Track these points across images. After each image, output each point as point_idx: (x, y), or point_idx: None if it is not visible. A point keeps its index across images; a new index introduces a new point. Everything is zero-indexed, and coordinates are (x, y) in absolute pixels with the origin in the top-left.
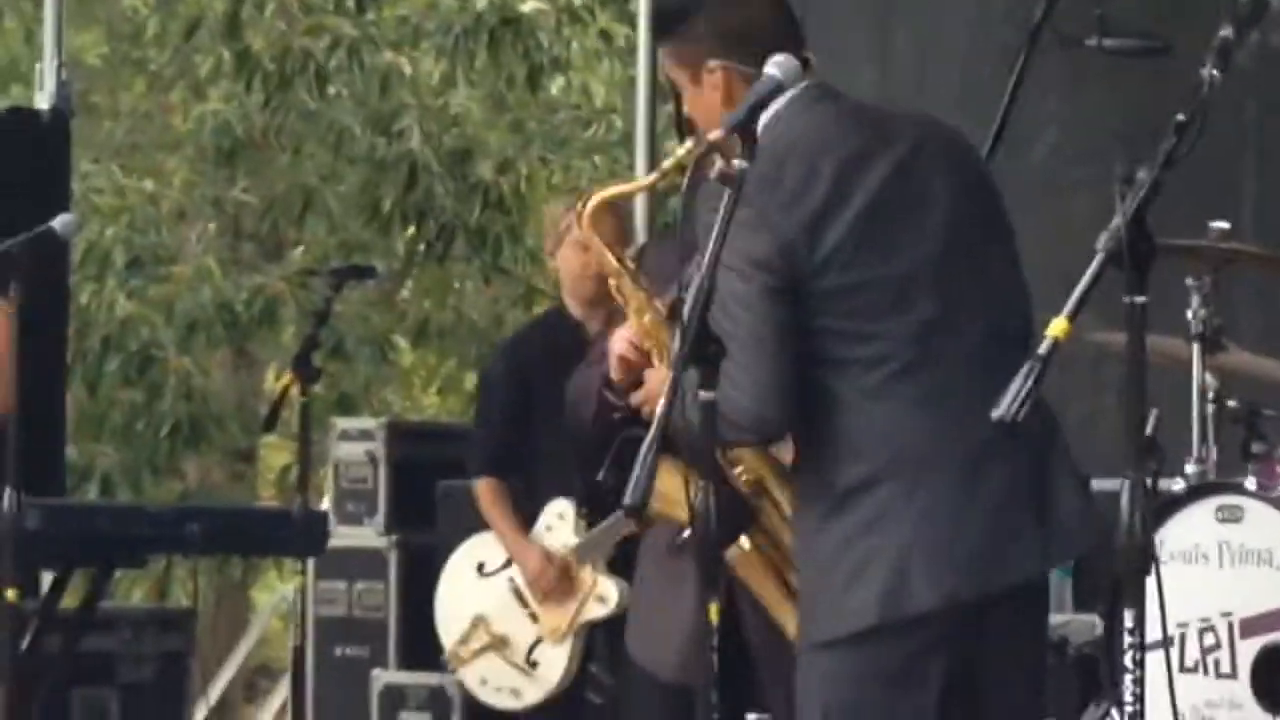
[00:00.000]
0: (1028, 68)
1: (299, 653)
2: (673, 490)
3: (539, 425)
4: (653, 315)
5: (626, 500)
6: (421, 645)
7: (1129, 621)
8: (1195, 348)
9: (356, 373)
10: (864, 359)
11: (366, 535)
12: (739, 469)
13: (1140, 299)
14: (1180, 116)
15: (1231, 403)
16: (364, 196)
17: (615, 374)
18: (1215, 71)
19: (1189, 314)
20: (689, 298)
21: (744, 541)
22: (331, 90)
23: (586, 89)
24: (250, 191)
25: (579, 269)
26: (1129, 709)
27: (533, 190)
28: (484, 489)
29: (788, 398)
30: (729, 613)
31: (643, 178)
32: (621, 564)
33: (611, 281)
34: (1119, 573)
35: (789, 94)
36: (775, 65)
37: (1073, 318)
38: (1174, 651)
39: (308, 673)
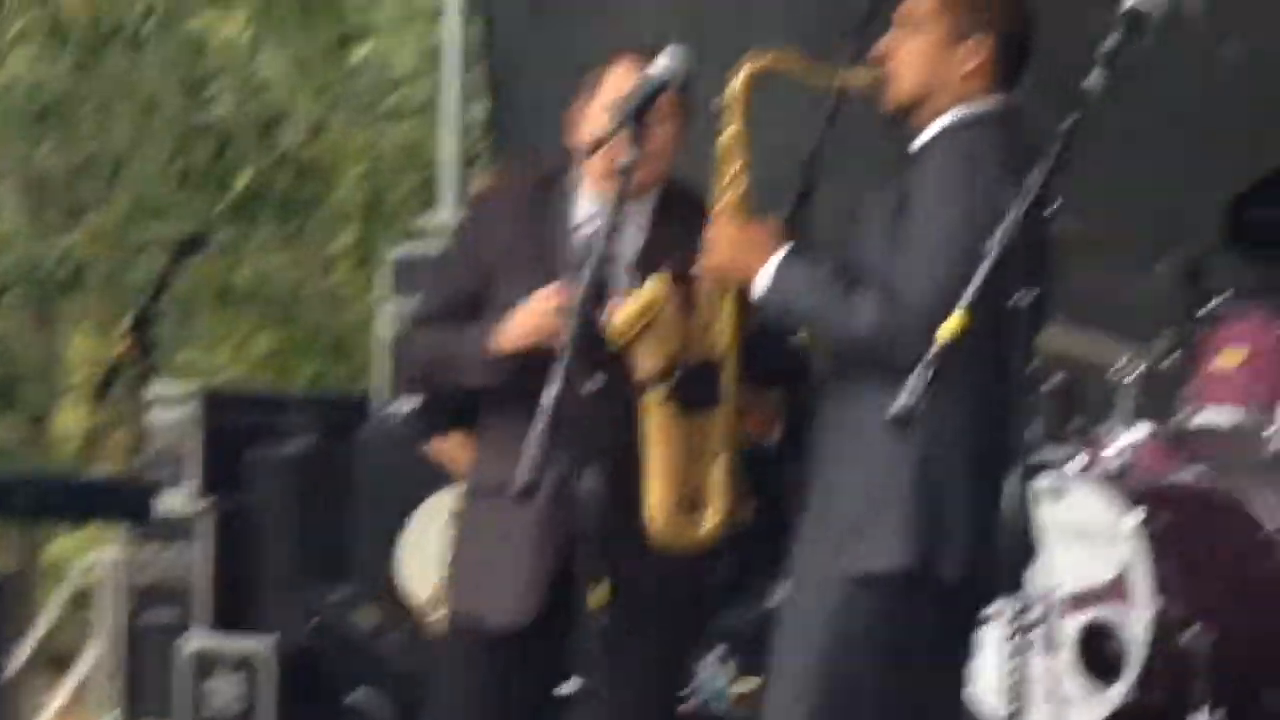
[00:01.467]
0: None
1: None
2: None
3: None
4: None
5: (518, 480)
6: (233, 611)
7: (1010, 610)
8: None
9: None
10: None
11: (179, 501)
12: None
13: (1032, 295)
14: (1066, 123)
15: (1050, 380)
16: (172, 163)
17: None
18: (1099, 81)
19: None
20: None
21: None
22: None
23: (388, 55)
24: (57, 155)
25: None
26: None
27: (340, 158)
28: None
29: None
30: (564, 573)
31: (820, 70)
32: None
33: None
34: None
35: (1001, 101)
36: (660, 66)
37: (968, 313)
38: (997, 626)
39: (115, 639)
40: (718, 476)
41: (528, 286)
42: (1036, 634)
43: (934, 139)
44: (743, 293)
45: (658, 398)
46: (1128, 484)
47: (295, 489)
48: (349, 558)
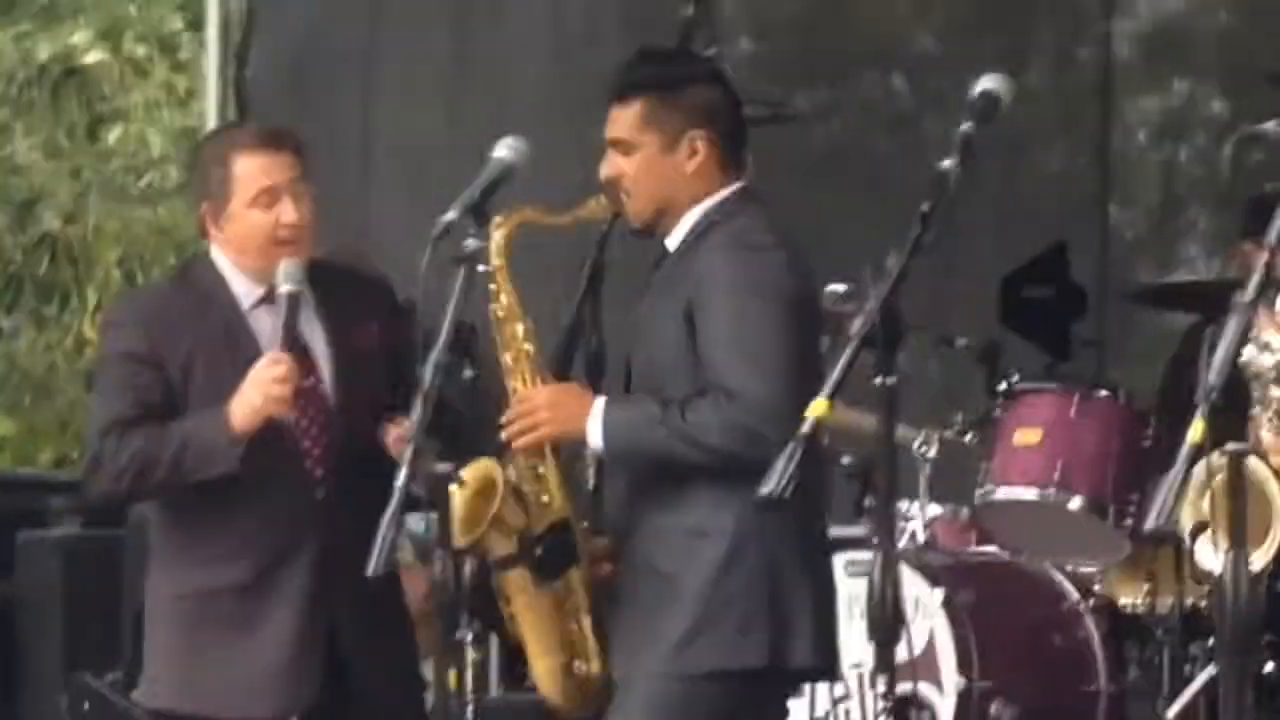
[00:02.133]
0: None
1: None
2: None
3: None
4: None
5: (370, 570)
6: (2, 699)
7: (881, 686)
8: None
9: None
10: None
11: None
12: (545, 498)
13: (891, 379)
14: (924, 206)
15: (845, 459)
16: None
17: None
18: (956, 162)
19: None
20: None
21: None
22: None
23: (144, 138)
24: None
25: None
26: None
27: (99, 240)
28: None
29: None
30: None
31: (559, 215)
32: None
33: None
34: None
35: (737, 185)
36: (507, 148)
37: (831, 398)
38: (804, 702)
39: None
40: (588, 630)
41: (221, 373)
42: (843, 708)
43: (694, 237)
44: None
45: (518, 579)
46: (931, 560)
47: (63, 573)
48: (118, 642)
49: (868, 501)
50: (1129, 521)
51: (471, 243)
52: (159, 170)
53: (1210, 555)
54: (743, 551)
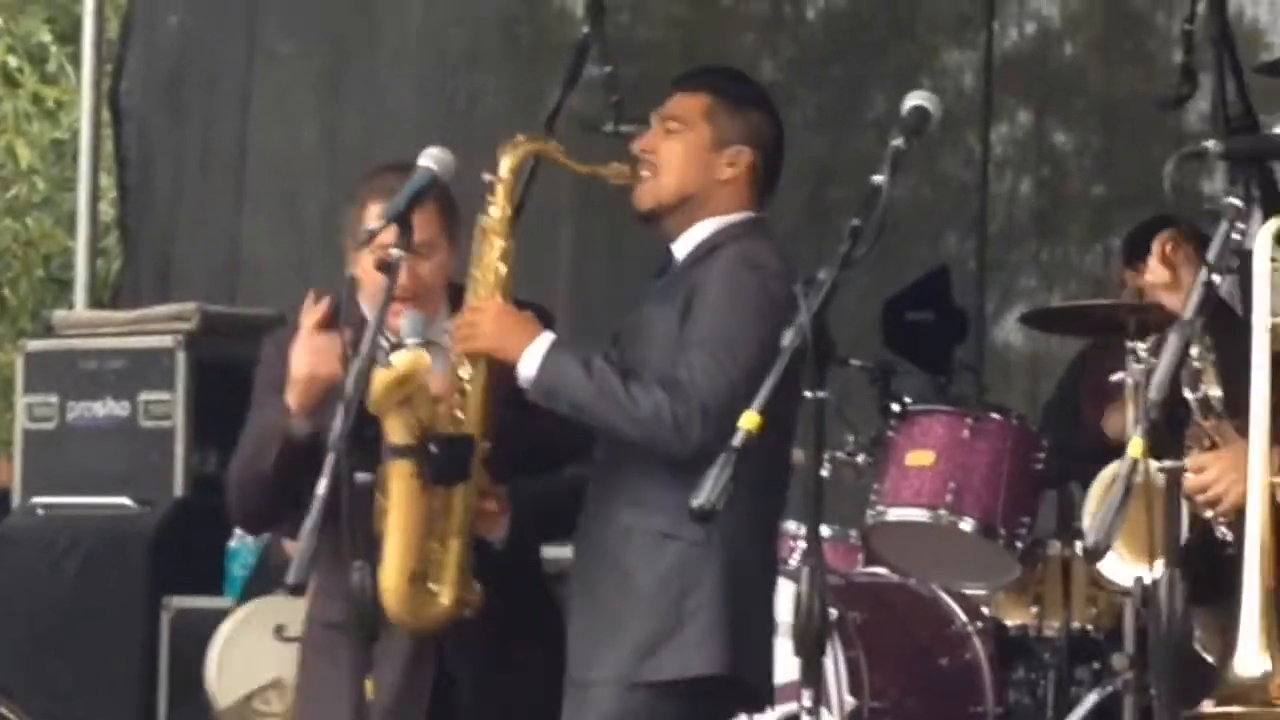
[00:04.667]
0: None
1: None
2: None
3: None
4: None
5: (289, 579)
6: None
7: (808, 701)
8: None
9: None
10: None
11: None
12: (458, 412)
13: (822, 394)
14: (855, 221)
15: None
16: None
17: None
18: (887, 178)
19: None
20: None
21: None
22: None
23: (13, 150)
24: None
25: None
26: None
27: None
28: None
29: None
30: (442, 674)
31: (580, 165)
32: None
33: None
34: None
35: (753, 214)
36: (432, 159)
37: (764, 411)
38: None
39: None
40: (452, 557)
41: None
42: None
43: (707, 247)
44: (493, 374)
45: (403, 469)
46: None
47: None
48: None
49: None
50: (1019, 544)
51: (395, 253)
52: (26, 182)
53: (1116, 568)
54: (709, 559)
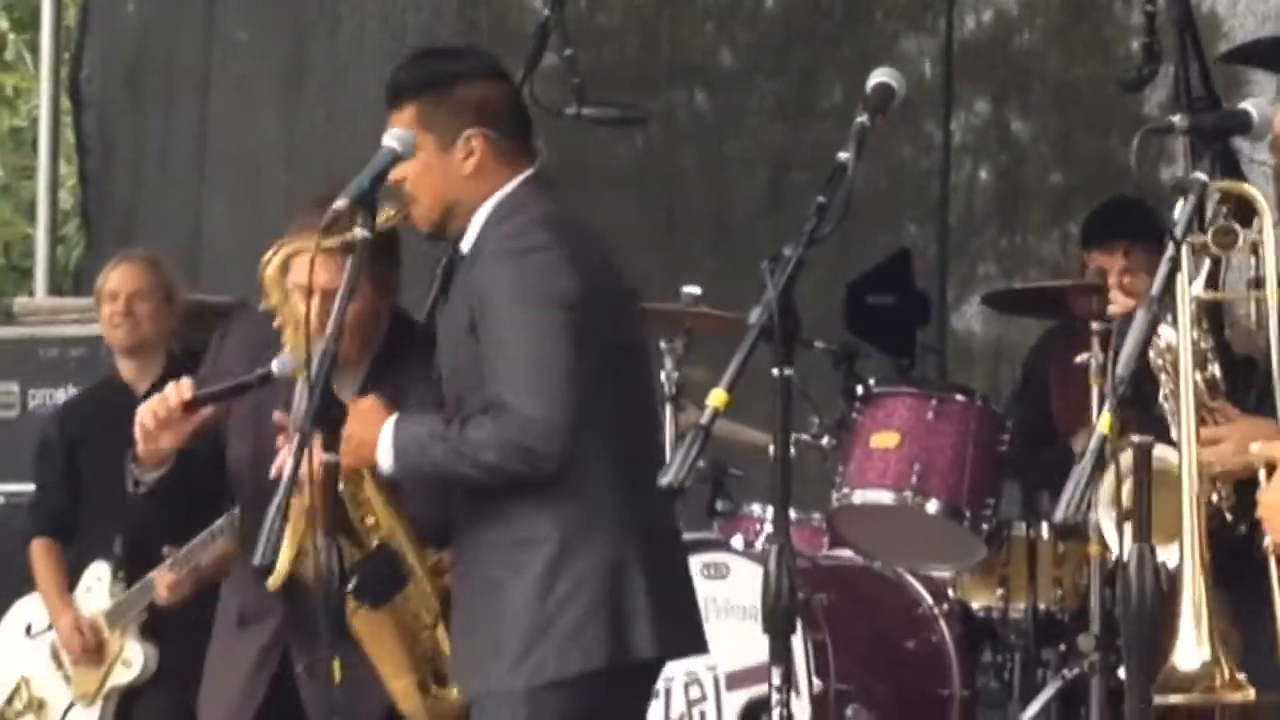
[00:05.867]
0: None
1: None
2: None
3: (88, 489)
4: None
5: (256, 560)
6: None
7: (777, 679)
8: (668, 408)
9: None
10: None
11: None
12: (370, 520)
13: (789, 371)
14: (821, 199)
15: (699, 462)
16: None
17: (140, 445)
18: (853, 155)
19: (662, 375)
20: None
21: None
22: None
23: None
24: None
25: None
26: None
27: None
28: (37, 549)
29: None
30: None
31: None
32: (159, 629)
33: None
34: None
35: (523, 176)
36: (394, 138)
37: (730, 388)
38: (660, 703)
39: None
40: (442, 642)
41: None
42: (697, 710)
43: (478, 239)
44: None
45: (350, 608)
46: None
47: None
48: None
49: (719, 505)
50: (985, 526)
51: (360, 231)
52: None
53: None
54: (568, 555)
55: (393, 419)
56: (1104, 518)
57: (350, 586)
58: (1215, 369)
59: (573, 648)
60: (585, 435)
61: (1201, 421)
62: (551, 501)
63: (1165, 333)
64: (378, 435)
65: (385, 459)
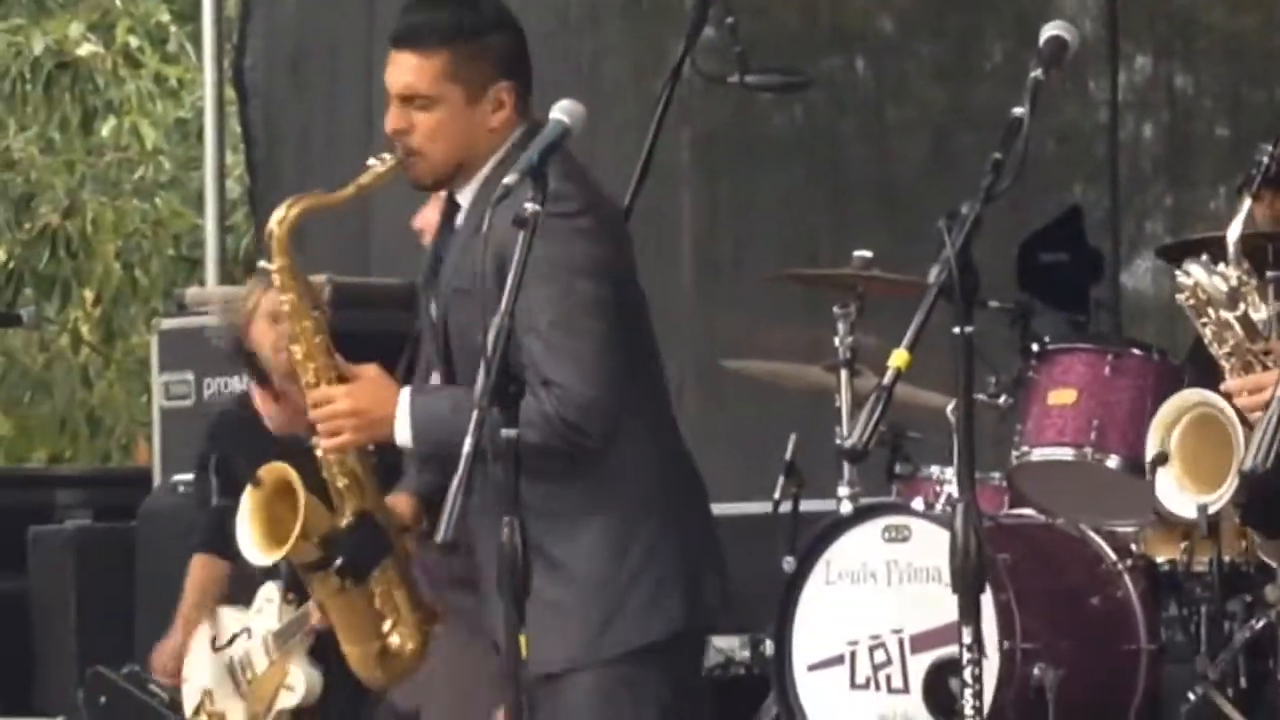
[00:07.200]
0: (670, 105)
1: None
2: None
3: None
4: (321, 362)
5: (440, 537)
6: (18, 693)
7: (967, 638)
8: (843, 373)
9: None
10: None
11: None
12: (342, 483)
13: (969, 329)
14: (996, 155)
15: (880, 426)
16: None
17: None
18: (1028, 110)
19: (836, 340)
20: (490, 337)
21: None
22: None
23: (137, 131)
24: None
25: (272, 343)
26: None
27: (98, 233)
28: (195, 564)
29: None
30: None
31: (342, 190)
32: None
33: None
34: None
35: (525, 126)
36: (563, 111)
37: (911, 348)
38: (845, 669)
39: None
40: (404, 607)
41: None
42: (883, 674)
43: (493, 183)
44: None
45: (327, 583)
46: None
47: (76, 567)
48: (133, 634)
49: (898, 468)
50: None
51: (529, 206)
52: (152, 162)
53: (1170, 493)
54: (633, 524)
55: (407, 391)
56: None
57: (336, 565)
58: (1249, 308)
59: (654, 613)
60: (627, 405)
61: (1248, 367)
62: (604, 475)
63: (1194, 271)
64: (392, 409)
65: (404, 435)
